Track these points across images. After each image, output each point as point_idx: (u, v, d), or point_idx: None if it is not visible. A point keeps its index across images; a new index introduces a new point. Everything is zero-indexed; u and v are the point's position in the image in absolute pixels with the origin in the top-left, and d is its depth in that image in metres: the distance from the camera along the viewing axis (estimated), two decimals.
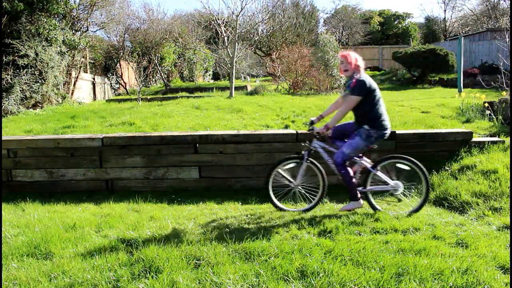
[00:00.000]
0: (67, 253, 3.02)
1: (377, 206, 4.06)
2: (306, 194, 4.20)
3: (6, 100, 9.14)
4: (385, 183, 3.98)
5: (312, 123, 4.12)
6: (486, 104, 7.16)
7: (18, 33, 9.69)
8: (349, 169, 3.93)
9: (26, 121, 7.64)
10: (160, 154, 5.04)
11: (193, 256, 2.88)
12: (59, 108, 10.10)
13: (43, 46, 9.94)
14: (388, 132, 3.92)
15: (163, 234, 3.42)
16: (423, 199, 3.98)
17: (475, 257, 2.86)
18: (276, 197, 4.17)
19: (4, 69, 9.28)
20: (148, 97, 11.88)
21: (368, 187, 4.04)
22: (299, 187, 4.16)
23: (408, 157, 4.00)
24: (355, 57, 3.93)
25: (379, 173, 3.98)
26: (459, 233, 3.36)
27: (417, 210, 3.97)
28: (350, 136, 3.95)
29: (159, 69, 16.66)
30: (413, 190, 4.65)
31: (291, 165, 4.16)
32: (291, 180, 4.15)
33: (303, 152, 4.14)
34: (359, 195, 3.99)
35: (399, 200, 4.26)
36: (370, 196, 4.07)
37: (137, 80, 12.79)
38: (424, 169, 3.93)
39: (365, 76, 3.88)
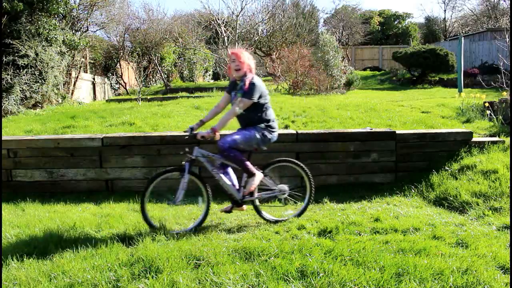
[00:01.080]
0: (67, 253, 3.02)
1: (267, 216, 3.79)
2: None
3: (6, 100, 9.14)
4: (271, 188, 3.78)
5: (192, 129, 3.63)
6: (486, 104, 7.15)
7: (18, 33, 9.69)
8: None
9: (26, 121, 7.64)
10: (160, 154, 5.04)
11: (193, 256, 2.88)
12: (59, 108, 10.10)
13: (43, 46, 9.94)
14: (276, 136, 3.74)
15: (163, 234, 3.42)
16: (306, 202, 3.89)
17: (475, 257, 2.86)
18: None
19: (4, 69, 9.28)
20: (148, 97, 11.88)
21: (256, 195, 3.71)
22: (180, 204, 3.59)
23: (294, 160, 3.92)
24: (248, 56, 3.62)
25: (266, 179, 3.75)
26: (459, 233, 3.36)
27: (300, 214, 3.87)
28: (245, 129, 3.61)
29: (159, 69, 16.66)
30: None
31: (172, 177, 3.59)
32: (174, 196, 3.56)
33: (183, 162, 3.56)
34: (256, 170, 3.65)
35: (285, 204, 3.98)
36: (258, 204, 3.77)
37: (137, 80, 12.80)
38: (308, 172, 3.85)
39: (257, 78, 3.62)
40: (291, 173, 4.05)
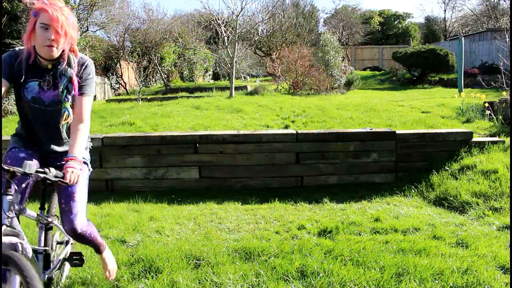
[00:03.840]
0: None
1: None
2: None
3: (6, 100, 9.14)
4: None
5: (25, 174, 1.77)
6: (486, 104, 7.15)
7: (18, 33, 9.69)
8: None
9: None
10: (160, 154, 5.04)
11: (193, 256, 2.88)
12: None
13: None
14: None
15: (163, 234, 3.42)
16: None
17: (475, 257, 2.86)
18: None
19: None
20: (148, 97, 11.88)
21: None
22: None
23: None
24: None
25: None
26: (459, 233, 3.36)
27: None
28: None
29: (159, 69, 16.66)
30: (413, 190, 4.66)
31: None
32: None
33: None
34: None
35: None
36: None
37: (137, 80, 12.80)
38: None
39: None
40: None
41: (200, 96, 10.73)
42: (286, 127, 6.59)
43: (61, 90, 2.09)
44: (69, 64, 2.10)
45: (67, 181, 1.90)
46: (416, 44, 23.84)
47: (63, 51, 2.06)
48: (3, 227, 1.69)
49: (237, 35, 11.01)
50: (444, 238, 3.25)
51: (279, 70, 13.05)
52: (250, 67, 18.51)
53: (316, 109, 7.73)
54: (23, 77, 2.07)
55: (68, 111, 2.12)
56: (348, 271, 2.63)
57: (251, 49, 18.04)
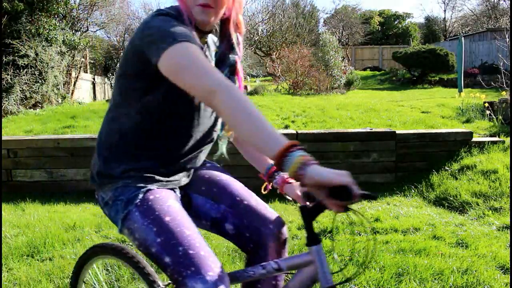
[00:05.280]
0: (67, 253, 3.02)
1: None
2: None
3: (6, 100, 9.14)
4: None
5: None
6: (486, 104, 7.15)
7: (18, 33, 9.69)
8: None
9: (26, 121, 7.63)
10: None
11: None
12: (59, 108, 10.09)
13: (43, 46, 9.94)
14: None
15: None
16: None
17: (475, 257, 2.86)
18: None
19: (4, 69, 9.28)
20: None
21: None
22: None
23: None
24: None
25: None
26: (459, 233, 3.36)
27: None
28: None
29: None
30: (412, 190, 4.66)
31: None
32: None
33: None
34: None
35: None
36: None
37: None
38: None
39: None
40: None
41: None
42: (286, 127, 6.59)
43: None
44: (230, 45, 1.39)
45: None
46: (416, 44, 23.84)
47: (225, 22, 1.37)
48: None
49: None
50: (444, 238, 3.25)
51: (279, 70, 13.06)
52: (250, 67, 18.51)
53: (316, 109, 7.73)
54: None
55: None
56: (348, 271, 2.63)
57: (251, 49, 18.04)
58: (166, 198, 1.29)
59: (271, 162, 1.47)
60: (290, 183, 1.47)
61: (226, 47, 1.40)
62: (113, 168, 1.38)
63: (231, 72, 1.40)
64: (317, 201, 1.16)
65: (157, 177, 1.34)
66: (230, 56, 1.39)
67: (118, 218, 1.35)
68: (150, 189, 1.30)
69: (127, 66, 1.28)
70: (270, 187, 1.56)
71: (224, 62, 1.39)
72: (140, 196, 1.28)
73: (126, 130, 1.33)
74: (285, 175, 1.48)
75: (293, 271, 1.31)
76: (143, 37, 1.19)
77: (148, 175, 1.33)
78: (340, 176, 0.97)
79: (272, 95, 10.72)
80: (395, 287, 2.48)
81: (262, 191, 1.59)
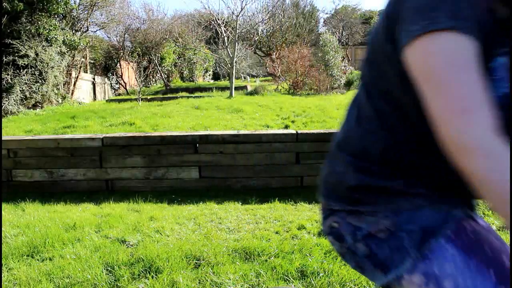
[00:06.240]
0: (67, 253, 3.02)
1: None
2: None
3: (6, 100, 9.14)
4: None
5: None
6: None
7: (18, 33, 9.69)
8: None
9: (26, 121, 7.64)
10: (160, 154, 5.04)
11: (193, 256, 2.88)
12: (59, 108, 10.10)
13: (43, 46, 9.95)
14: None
15: (163, 234, 3.42)
16: None
17: None
18: None
19: (4, 69, 9.28)
20: (148, 97, 11.88)
21: None
22: None
23: None
24: None
25: None
26: None
27: None
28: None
29: (159, 69, 16.66)
30: None
31: None
32: None
33: None
34: None
35: None
36: None
37: (137, 80, 12.81)
38: None
39: None
40: None
41: (200, 96, 10.74)
42: (286, 127, 6.59)
43: None
44: None
45: None
46: None
47: None
48: None
49: (237, 35, 11.02)
50: None
51: (279, 70, 13.07)
52: (250, 67, 18.52)
53: (316, 109, 7.74)
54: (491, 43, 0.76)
55: None
56: (348, 271, 2.63)
57: (251, 49, 18.04)
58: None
59: None
60: None
61: None
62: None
63: None
64: None
65: None
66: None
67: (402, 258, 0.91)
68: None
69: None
70: None
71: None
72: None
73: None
74: None
75: None
76: None
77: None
78: None
79: (272, 95, 10.72)
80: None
81: None
